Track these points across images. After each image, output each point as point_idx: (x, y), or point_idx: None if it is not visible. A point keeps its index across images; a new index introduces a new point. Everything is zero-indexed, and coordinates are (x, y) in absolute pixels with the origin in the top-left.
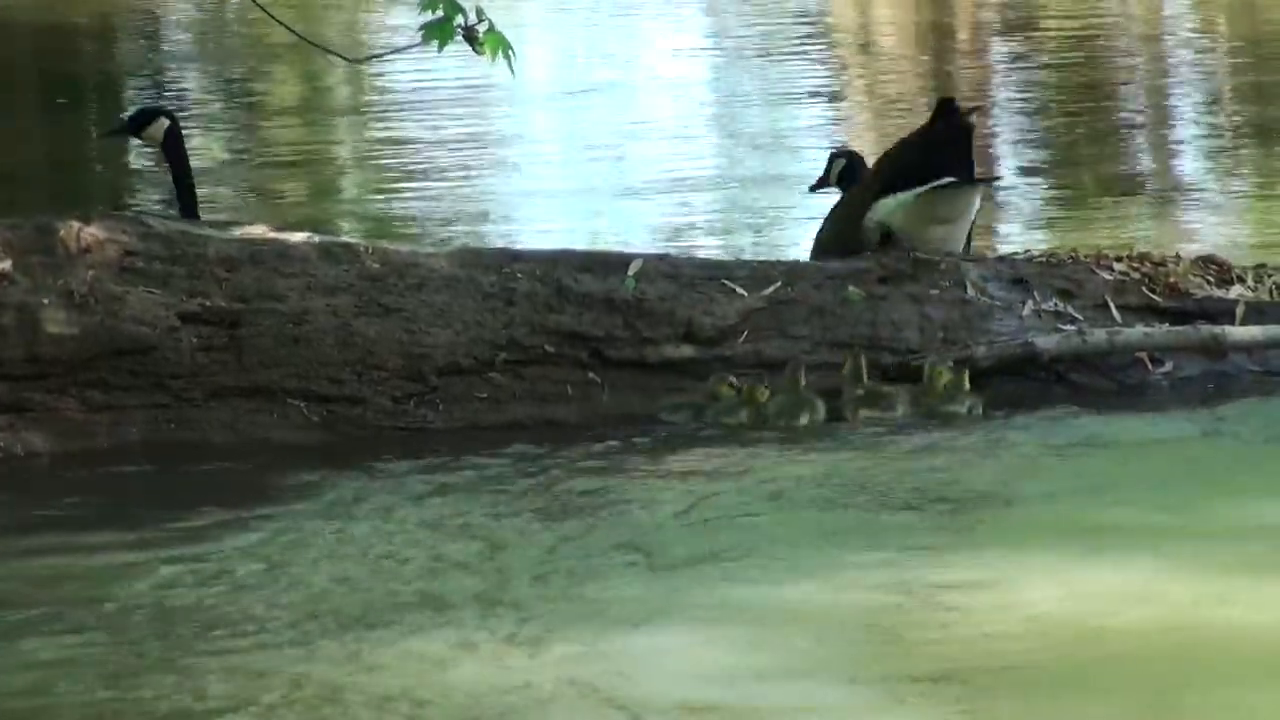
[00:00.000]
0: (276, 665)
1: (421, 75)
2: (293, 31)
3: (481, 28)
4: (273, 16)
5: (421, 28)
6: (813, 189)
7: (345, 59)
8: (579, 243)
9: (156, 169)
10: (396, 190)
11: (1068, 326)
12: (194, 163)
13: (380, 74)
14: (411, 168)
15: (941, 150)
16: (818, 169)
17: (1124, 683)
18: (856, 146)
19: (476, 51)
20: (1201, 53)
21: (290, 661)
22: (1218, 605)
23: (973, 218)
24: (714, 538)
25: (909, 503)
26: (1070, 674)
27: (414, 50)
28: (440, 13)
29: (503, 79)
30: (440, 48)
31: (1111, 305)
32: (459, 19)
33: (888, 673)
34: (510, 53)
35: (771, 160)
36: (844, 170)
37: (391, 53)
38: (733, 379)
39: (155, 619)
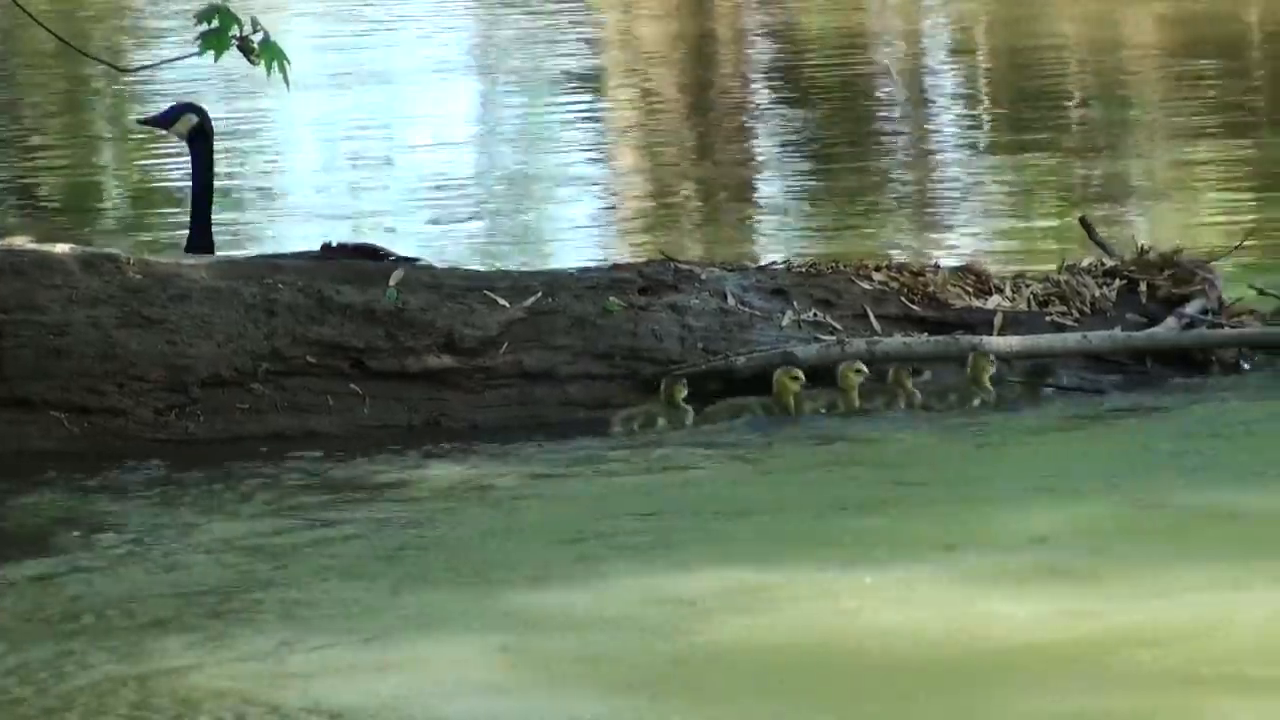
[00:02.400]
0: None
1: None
2: (63, 40)
3: (256, 38)
4: (46, 27)
5: (198, 37)
6: (141, 121)
7: (116, 68)
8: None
9: None
10: (156, 205)
11: (827, 336)
12: None
13: (139, 93)
14: (172, 183)
15: None
16: (582, 183)
17: (879, 689)
18: (621, 163)
19: (251, 62)
20: (958, 63)
21: (23, 677)
22: (977, 614)
23: None
24: (474, 547)
25: (673, 511)
26: (824, 681)
27: (179, 66)
28: (216, 23)
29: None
30: (216, 58)
31: (871, 315)
32: (234, 29)
33: (643, 682)
34: (285, 64)
35: (534, 174)
36: (196, 128)
37: (163, 63)
38: (797, 371)
39: None
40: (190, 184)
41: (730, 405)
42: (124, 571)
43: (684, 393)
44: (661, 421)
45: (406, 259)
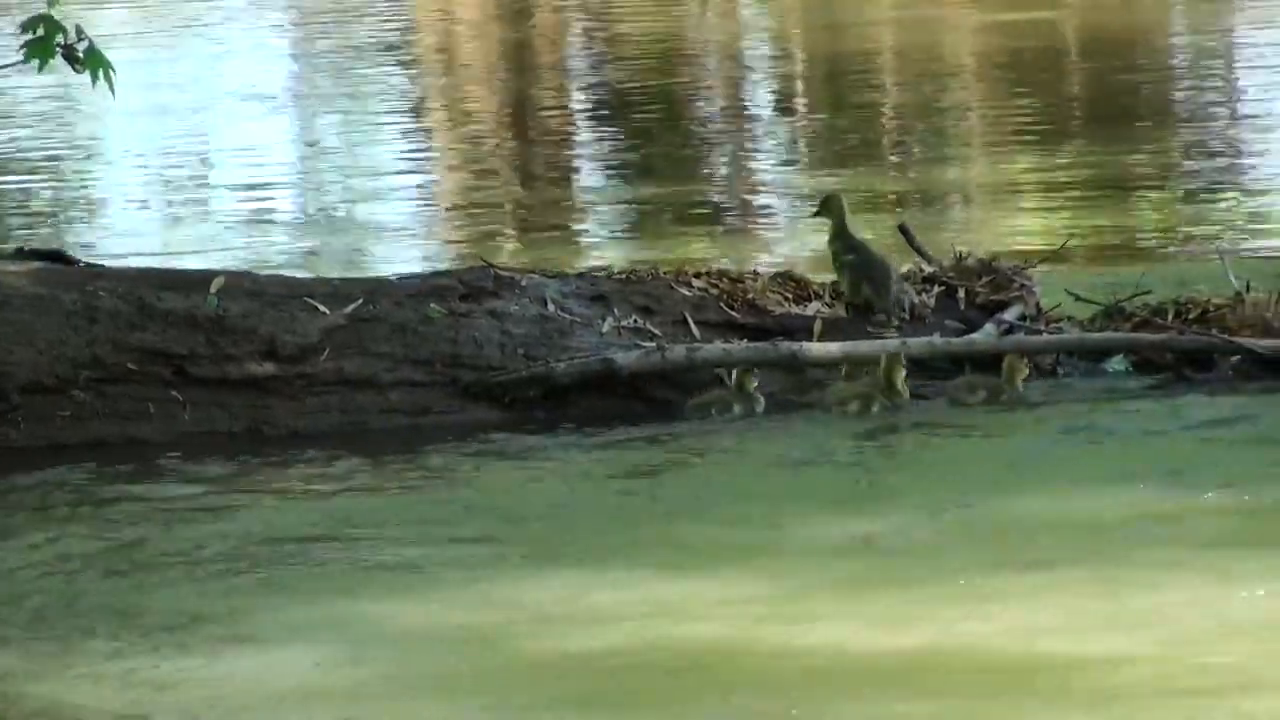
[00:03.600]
0: None
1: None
2: None
3: (81, 47)
4: None
5: (23, 46)
6: None
7: None
8: (161, 261)
9: None
10: None
11: (647, 343)
12: None
13: None
14: None
15: None
16: (402, 191)
17: (697, 695)
18: (441, 171)
19: (76, 70)
20: (777, 71)
21: None
22: (791, 620)
23: None
24: (295, 555)
25: (503, 520)
26: (649, 685)
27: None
28: (41, 32)
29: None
30: (40, 67)
31: (691, 322)
32: (59, 38)
33: (475, 688)
34: (110, 72)
35: (354, 182)
36: None
37: None
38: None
39: None
40: None
41: (849, 389)
42: None
43: (754, 382)
44: (737, 408)
45: (93, 266)
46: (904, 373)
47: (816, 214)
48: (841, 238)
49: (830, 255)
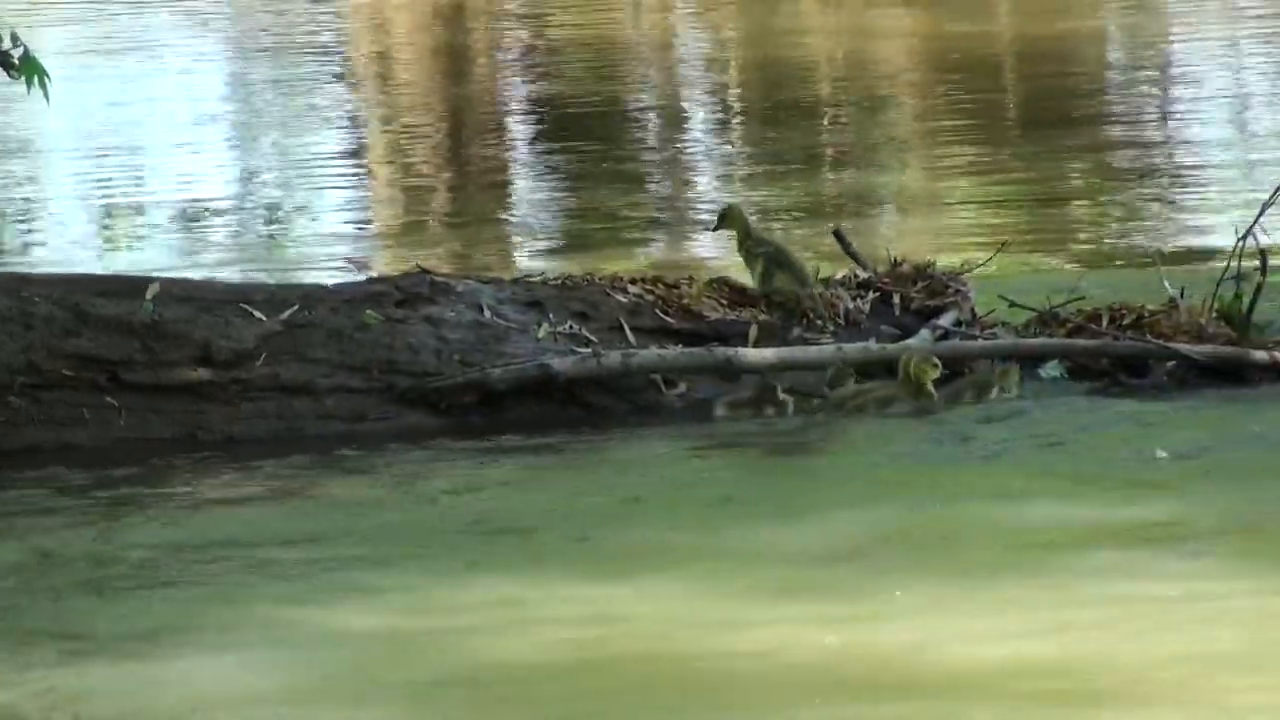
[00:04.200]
0: None
1: None
2: None
3: (16, 53)
4: None
5: None
6: None
7: None
8: (96, 266)
9: None
10: None
11: (583, 349)
12: None
13: None
14: None
15: None
16: (338, 198)
17: (630, 704)
18: (376, 179)
19: (11, 77)
20: (712, 76)
21: None
22: (724, 628)
23: None
24: (226, 558)
25: (438, 526)
26: (580, 694)
27: None
28: None
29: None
30: None
31: (626, 327)
32: None
33: (406, 696)
34: (46, 79)
35: (289, 189)
36: None
37: None
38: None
39: None
40: None
41: (870, 391)
42: None
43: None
44: (770, 410)
45: None
46: (936, 374)
47: (717, 228)
48: (751, 238)
49: (743, 259)
